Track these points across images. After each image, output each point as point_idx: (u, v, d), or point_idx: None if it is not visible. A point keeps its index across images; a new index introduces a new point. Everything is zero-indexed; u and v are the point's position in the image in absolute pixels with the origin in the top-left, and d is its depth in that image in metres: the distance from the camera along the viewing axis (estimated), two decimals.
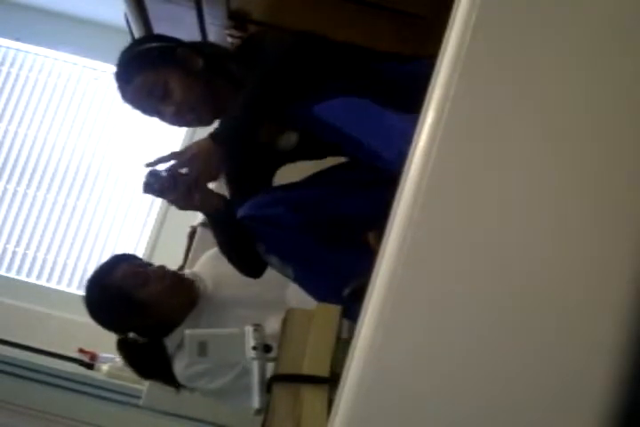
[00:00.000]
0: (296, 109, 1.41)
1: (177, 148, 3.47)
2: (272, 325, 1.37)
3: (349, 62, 1.43)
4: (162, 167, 1.44)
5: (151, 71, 1.51)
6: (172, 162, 1.43)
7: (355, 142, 1.33)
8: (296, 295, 1.67)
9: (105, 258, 1.95)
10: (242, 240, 1.56)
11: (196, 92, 1.50)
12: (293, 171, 1.70)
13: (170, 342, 1.90)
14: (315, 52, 1.40)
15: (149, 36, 2.11)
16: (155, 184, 1.40)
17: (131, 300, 1.82)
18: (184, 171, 1.43)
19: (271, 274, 1.66)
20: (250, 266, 1.64)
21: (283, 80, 1.40)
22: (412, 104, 0.69)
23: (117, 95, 1.56)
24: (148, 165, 1.44)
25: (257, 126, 1.43)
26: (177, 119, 1.53)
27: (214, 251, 1.94)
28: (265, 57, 1.41)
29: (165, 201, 1.51)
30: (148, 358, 1.94)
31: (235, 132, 1.41)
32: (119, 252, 2.00)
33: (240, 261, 1.65)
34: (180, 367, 1.89)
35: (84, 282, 1.91)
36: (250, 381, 1.66)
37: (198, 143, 1.42)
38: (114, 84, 1.57)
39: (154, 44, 1.57)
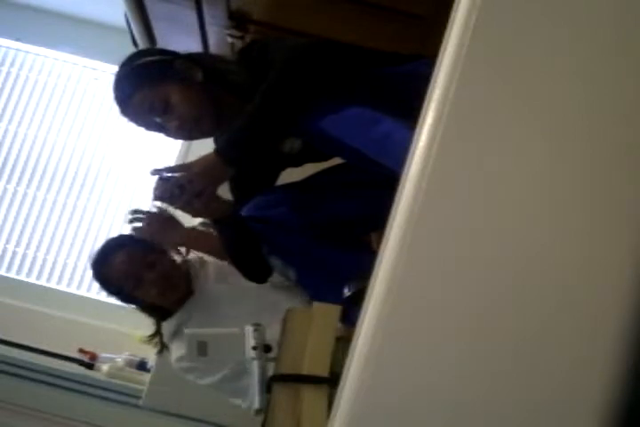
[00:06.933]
0: (298, 122, 1.39)
1: (176, 148, 3.50)
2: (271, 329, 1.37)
3: (351, 68, 1.41)
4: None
5: (150, 87, 1.48)
6: (179, 174, 1.44)
7: (356, 153, 1.32)
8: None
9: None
10: (248, 245, 1.56)
11: (198, 104, 1.48)
12: (295, 169, 1.70)
13: (166, 328, 1.92)
14: (323, 61, 1.37)
15: (145, 50, 2.09)
16: (164, 192, 1.42)
17: (124, 288, 1.87)
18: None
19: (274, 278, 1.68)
20: (255, 271, 1.65)
21: (292, 91, 1.36)
22: (413, 105, 0.69)
23: (117, 111, 1.54)
24: (155, 172, 1.44)
25: (266, 139, 1.41)
26: (181, 133, 1.52)
27: None
28: (272, 66, 1.37)
29: (172, 207, 1.52)
30: None
31: (240, 148, 1.39)
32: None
33: (245, 266, 1.65)
34: (173, 357, 1.91)
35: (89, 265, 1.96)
36: (236, 385, 1.69)
37: (205, 159, 1.41)
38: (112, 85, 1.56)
39: (151, 59, 1.54)
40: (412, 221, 0.59)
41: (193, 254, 2.09)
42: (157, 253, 1.90)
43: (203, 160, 1.42)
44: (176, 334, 1.89)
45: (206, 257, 2.00)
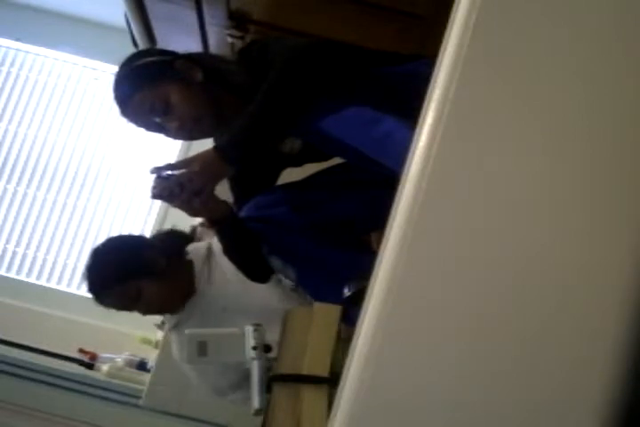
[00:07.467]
0: (299, 122, 1.39)
1: (176, 147, 3.50)
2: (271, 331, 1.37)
3: (351, 68, 1.41)
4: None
5: (150, 87, 1.48)
6: (178, 171, 1.44)
7: (357, 152, 1.32)
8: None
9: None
10: (249, 245, 1.56)
11: (198, 105, 1.47)
12: (295, 169, 1.70)
13: (168, 319, 1.93)
14: (323, 61, 1.37)
15: (145, 50, 2.09)
16: (163, 190, 1.42)
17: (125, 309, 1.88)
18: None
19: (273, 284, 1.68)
20: (256, 271, 1.65)
21: (293, 91, 1.36)
22: (413, 105, 0.69)
23: (117, 112, 1.53)
24: (154, 170, 1.44)
25: (267, 139, 1.41)
26: (181, 133, 1.51)
27: None
28: (272, 66, 1.37)
29: (171, 206, 1.52)
30: None
31: (241, 147, 1.39)
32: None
33: (246, 266, 1.65)
34: (173, 349, 1.93)
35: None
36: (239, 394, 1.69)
37: (204, 155, 1.41)
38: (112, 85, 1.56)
39: (150, 59, 1.54)
40: (412, 221, 0.59)
41: (202, 242, 2.07)
42: (153, 265, 1.88)
43: (201, 157, 1.42)
44: (176, 327, 1.90)
45: (214, 246, 1.98)
